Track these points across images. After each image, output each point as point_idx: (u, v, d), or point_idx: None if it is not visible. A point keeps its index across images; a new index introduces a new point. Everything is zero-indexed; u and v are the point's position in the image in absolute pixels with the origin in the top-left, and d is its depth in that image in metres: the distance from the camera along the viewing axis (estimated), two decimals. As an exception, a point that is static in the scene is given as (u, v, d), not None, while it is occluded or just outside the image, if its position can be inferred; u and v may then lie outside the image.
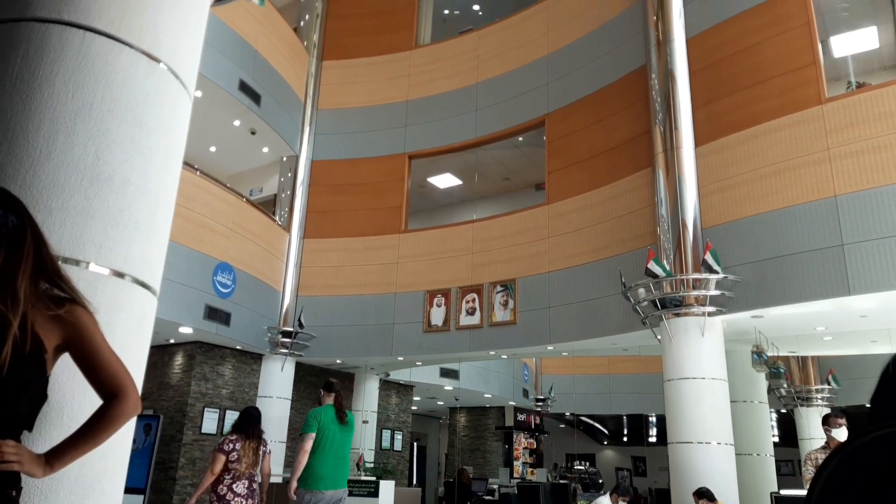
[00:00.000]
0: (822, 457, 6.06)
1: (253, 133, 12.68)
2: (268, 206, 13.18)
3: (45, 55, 2.34)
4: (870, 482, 1.01)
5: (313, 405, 13.42)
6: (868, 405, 1.12)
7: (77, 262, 2.24)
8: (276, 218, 12.82)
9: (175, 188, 2.74)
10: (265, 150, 13.33)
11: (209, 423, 11.12)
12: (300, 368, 12.85)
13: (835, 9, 9.40)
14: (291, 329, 12.02)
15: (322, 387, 6.25)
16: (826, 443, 6.34)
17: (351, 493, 8.92)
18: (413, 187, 13.89)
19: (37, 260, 1.64)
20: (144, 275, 2.45)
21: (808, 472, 6.47)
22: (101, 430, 1.66)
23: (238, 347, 11.66)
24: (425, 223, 13.91)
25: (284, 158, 13.35)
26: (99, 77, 2.41)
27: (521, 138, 12.94)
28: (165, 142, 2.61)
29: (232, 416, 11.46)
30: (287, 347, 11.98)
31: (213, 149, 13.37)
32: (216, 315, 10.54)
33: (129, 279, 2.38)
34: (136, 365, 2.41)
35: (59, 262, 2.22)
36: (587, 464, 18.96)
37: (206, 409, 11.12)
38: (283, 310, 12.34)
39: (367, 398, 14.32)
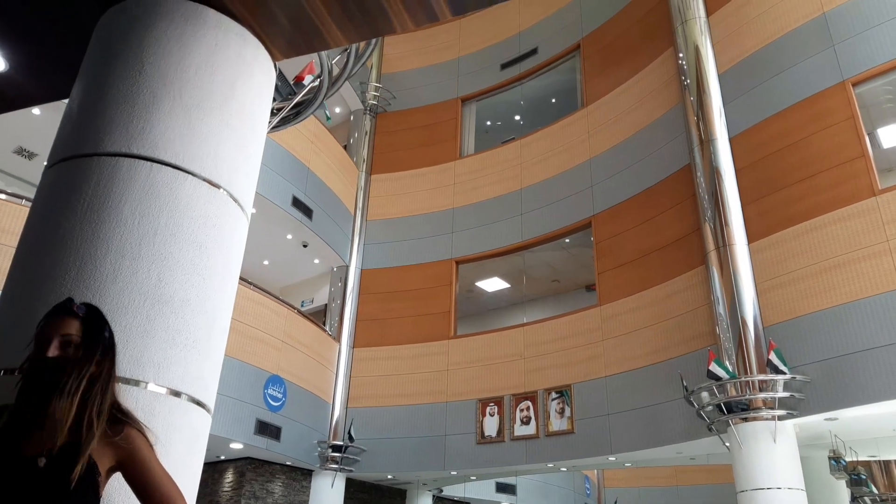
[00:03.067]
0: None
1: (305, 246, 13.05)
2: (318, 316, 13.34)
3: (114, 186, 2.47)
4: None
5: (365, 522, 12.92)
6: None
7: (137, 383, 2.26)
8: (327, 328, 12.91)
9: (231, 306, 2.79)
10: (316, 261, 13.65)
11: (259, 543, 10.77)
12: (350, 485, 12.49)
13: (879, 101, 9.39)
14: (341, 443, 11.80)
15: None
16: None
17: None
18: (461, 292, 13.91)
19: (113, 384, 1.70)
20: (200, 393, 2.45)
21: None
22: None
23: (288, 463, 11.45)
24: (474, 328, 13.81)
25: (335, 268, 13.62)
26: (163, 204, 2.52)
27: (567, 240, 12.96)
28: (223, 262, 2.68)
29: (282, 536, 11.10)
30: (337, 462, 11.71)
31: (266, 262, 13.77)
32: (267, 430, 10.45)
33: (185, 398, 2.38)
34: (190, 483, 2.36)
35: (119, 383, 2.25)
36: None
37: (256, 528, 10.81)
38: (333, 422, 12.18)
39: (421, 515, 13.75)
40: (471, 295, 15.64)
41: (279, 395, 10.84)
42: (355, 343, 13.02)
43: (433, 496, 14.12)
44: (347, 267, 13.55)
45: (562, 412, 10.67)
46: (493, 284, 15.37)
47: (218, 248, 2.64)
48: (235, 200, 2.78)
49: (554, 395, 10.87)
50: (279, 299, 11.63)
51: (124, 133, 2.56)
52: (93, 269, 2.32)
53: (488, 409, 11.47)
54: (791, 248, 8.35)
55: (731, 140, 9.37)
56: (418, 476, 12.59)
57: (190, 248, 2.54)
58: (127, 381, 2.24)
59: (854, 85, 8.51)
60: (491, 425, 11.32)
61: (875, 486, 12.21)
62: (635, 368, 9.97)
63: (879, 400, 7.22)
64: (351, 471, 11.94)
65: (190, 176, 2.61)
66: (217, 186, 2.69)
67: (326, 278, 13.85)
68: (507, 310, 15.87)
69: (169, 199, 2.54)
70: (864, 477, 9.85)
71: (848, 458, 9.02)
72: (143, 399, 2.25)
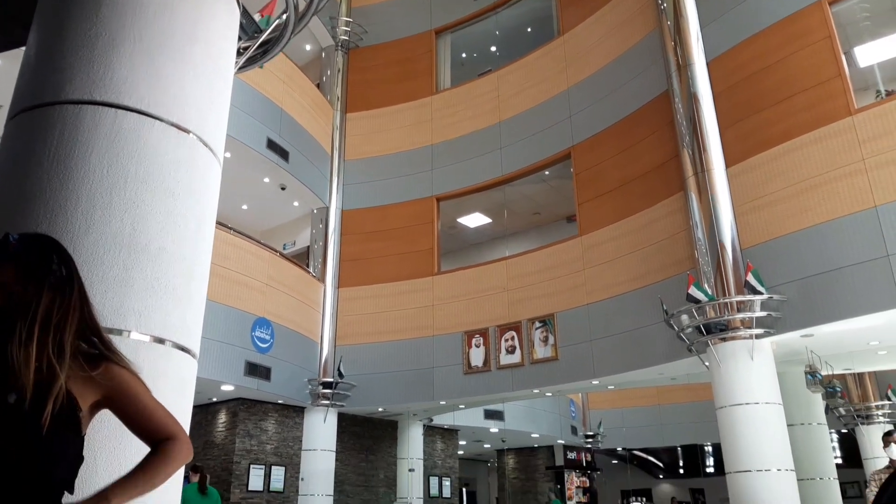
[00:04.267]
0: (885, 477, 5.78)
1: (283, 188, 12.93)
2: (301, 258, 13.34)
3: (79, 135, 2.42)
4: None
5: (359, 456, 13.33)
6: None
7: (119, 332, 2.28)
8: (310, 269, 12.95)
9: (209, 251, 2.79)
10: (295, 203, 13.55)
11: (255, 479, 11.08)
12: (343, 419, 12.80)
13: (856, 19, 9.30)
14: (332, 380, 12.02)
15: (190, 468, 7.62)
16: (890, 461, 6.07)
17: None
18: (443, 229, 13.93)
19: (81, 317, 1.62)
20: (184, 339, 2.48)
21: (872, 492, 6.19)
22: (156, 471, 1.59)
23: (280, 402, 11.68)
24: (458, 264, 13.91)
25: (315, 210, 13.55)
26: (132, 151, 2.48)
27: (547, 172, 12.95)
28: (198, 208, 2.66)
29: (278, 473, 11.42)
30: (328, 398, 11.96)
31: (244, 207, 13.65)
32: (256, 371, 10.60)
33: (169, 344, 2.40)
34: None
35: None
36: (643, 499, 18.38)
37: (251, 465, 11.09)
38: (322, 361, 12.37)
39: (412, 445, 14.16)
40: (453, 231, 15.67)
41: (267, 337, 10.96)
42: (340, 283, 13.08)
43: (423, 425, 14.53)
44: (327, 208, 13.48)
45: (546, 340, 10.90)
46: (474, 220, 15.40)
47: (191, 193, 2.61)
48: (206, 144, 2.74)
49: (538, 324, 11.08)
50: (260, 243, 11.60)
51: (85, 79, 2.49)
52: (64, 222, 2.30)
53: (474, 340, 11.69)
54: (768, 170, 8.41)
55: (708, 64, 9.28)
56: (408, 407, 12.92)
57: (162, 195, 2.51)
58: (110, 331, 2.25)
59: (831, 4, 8.40)
60: (477, 356, 11.56)
61: (849, 397, 12.71)
62: (616, 295, 10.15)
63: (853, 315, 7.43)
64: (342, 406, 12.21)
65: (157, 121, 2.56)
66: (186, 131, 2.65)
67: (307, 220, 13.79)
68: (490, 244, 15.95)
69: (137, 146, 2.50)
70: (838, 389, 10.22)
71: (823, 373, 9.32)
72: (127, 348, 2.27)
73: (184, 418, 2.47)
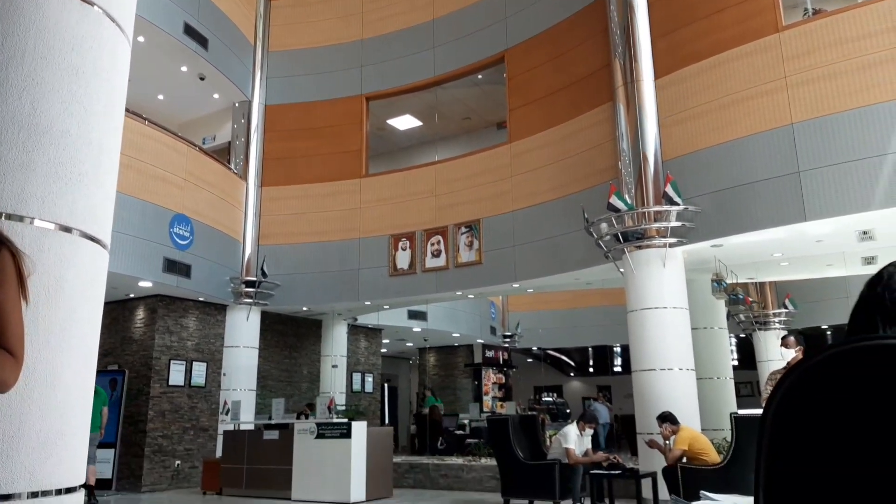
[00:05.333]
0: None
1: (202, 79, 12.22)
2: (222, 154, 12.83)
3: (-37, -3, 2.18)
4: (825, 396, 1.03)
5: (283, 353, 13.46)
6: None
7: (21, 218, 2.15)
8: (232, 166, 12.51)
9: (119, 137, 2.62)
10: (216, 96, 12.88)
11: (176, 375, 11.07)
12: (266, 317, 12.80)
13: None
14: (255, 279, 11.91)
15: None
16: (788, 363, 6.61)
17: (323, 436, 9.05)
18: (372, 130, 13.64)
19: None
20: (93, 228, 2.36)
21: (767, 390, 6.76)
22: None
23: (201, 299, 11.53)
24: (386, 167, 13.74)
25: (237, 104, 12.94)
26: (29, 23, 2.26)
27: (480, 76, 12.73)
28: (105, 89, 2.47)
29: (199, 368, 11.43)
30: (251, 297, 11.89)
31: (160, 97, 12.87)
32: (175, 267, 10.37)
33: (76, 233, 2.29)
34: (91, 319, 2.34)
35: (3, 219, 2.12)
36: (555, 395, 19.53)
37: (172, 361, 11.04)
38: (245, 260, 12.19)
39: (336, 343, 14.39)
40: (382, 133, 15.37)
41: (186, 234, 10.66)
42: (263, 182, 12.74)
43: (348, 324, 14.74)
44: (250, 102, 12.89)
45: (471, 245, 11.08)
46: (404, 122, 15.12)
47: (97, 73, 2.42)
48: (113, 20, 2.52)
49: (464, 229, 11.21)
50: (178, 136, 11.06)
51: (-32, -65, 2.21)
52: (-48, 95, 2.10)
53: (400, 243, 11.75)
54: (695, 84, 8.53)
55: (646, -30, 9.14)
56: (333, 307, 13.03)
57: (65, 73, 2.32)
58: (10, 217, 2.12)
59: (770, -87, 8.33)
60: (403, 259, 11.67)
61: (750, 304, 13.62)
62: (541, 203, 10.33)
63: (761, 228, 7.84)
64: (266, 304, 12.19)
65: (55, -11, 2.32)
66: (90, 3, 2.42)
67: (228, 114, 13.17)
68: (420, 148, 15.79)
69: (35, 18, 2.27)
70: (741, 297, 10.90)
71: (729, 281, 9.90)
72: (31, 235, 2.15)
73: (96, 310, 2.39)
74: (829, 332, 14.39)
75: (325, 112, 12.90)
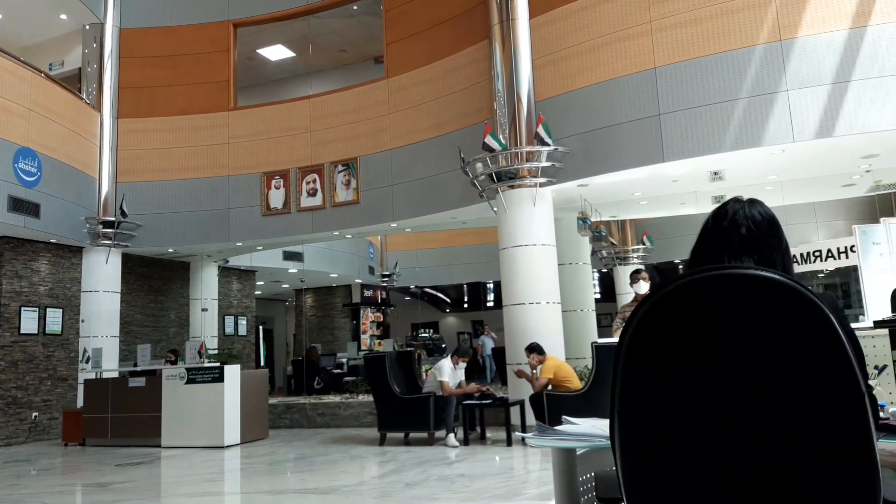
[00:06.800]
0: (630, 310, 6.81)
1: (44, -5, 10.95)
2: (71, 82, 11.68)
3: None
4: (674, 324, 1.12)
5: (147, 297, 12.81)
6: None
7: None
8: (84, 96, 11.44)
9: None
10: (63, 17, 11.61)
11: (28, 322, 10.25)
12: (129, 260, 12.06)
13: None
14: (113, 219, 11.14)
15: None
16: (635, 297, 7.11)
17: (194, 381, 8.80)
18: (241, 60, 12.91)
19: None
20: None
21: (616, 324, 7.29)
22: None
23: (53, 241, 10.65)
24: (258, 100, 13.12)
25: (87, 27, 11.76)
26: None
27: (356, 7, 12.29)
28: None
29: (54, 315, 10.66)
30: (110, 238, 11.13)
31: (-4, 14, 11.44)
32: (22, 206, 9.48)
33: None
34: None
35: None
36: (431, 331, 20.03)
37: (23, 308, 10.21)
38: (102, 198, 11.33)
39: (206, 286, 13.85)
40: (252, 63, 14.60)
41: (33, 170, 9.73)
42: (120, 113, 11.78)
43: (219, 266, 14.20)
44: (102, 25, 11.75)
45: (348, 184, 10.91)
46: (276, 52, 14.41)
47: None
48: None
49: (340, 167, 10.99)
50: (20, 61, 9.93)
51: None
52: None
53: (273, 182, 11.36)
54: (567, 24, 8.69)
55: None
56: (202, 248, 12.48)
57: None
58: None
59: None
60: (277, 198, 11.31)
61: (611, 241, 14.43)
62: (419, 141, 10.29)
63: (624, 168, 8.27)
64: (127, 246, 11.46)
65: None
66: None
67: (78, 38, 11.94)
68: (293, 81, 15.17)
69: None
70: (603, 234, 11.50)
71: (593, 219, 10.42)
72: None
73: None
74: (681, 267, 15.61)
75: (189, 38, 12.03)
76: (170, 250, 12.31)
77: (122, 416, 9.26)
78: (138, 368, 9.67)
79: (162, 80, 11.90)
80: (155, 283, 13.04)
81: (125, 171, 11.63)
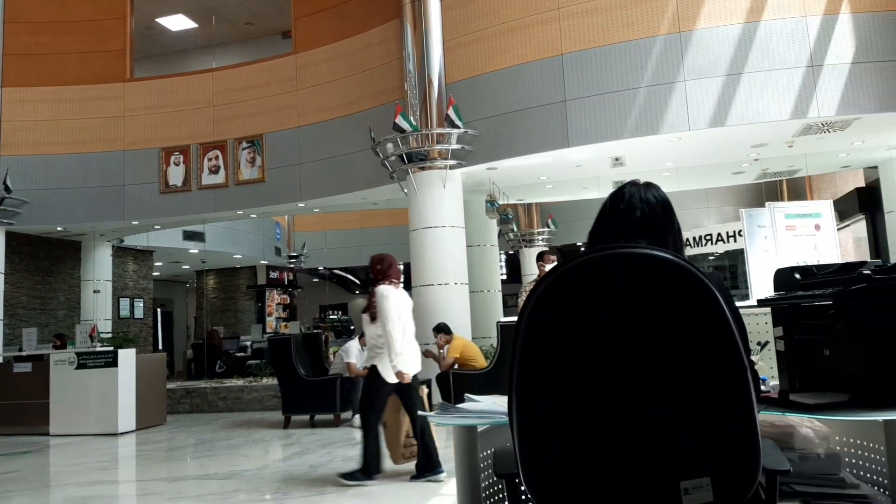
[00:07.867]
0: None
1: None
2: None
3: None
4: (570, 301, 1.15)
5: (34, 278, 11.99)
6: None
7: None
8: (-41, 58, 10.51)
9: None
10: (-69, -31, 10.60)
11: None
12: (13, 238, 11.26)
13: None
14: (-5, 194, 10.34)
15: None
16: (538, 277, 7.31)
17: (85, 365, 8.35)
18: (138, 29, 12.23)
19: None
20: None
21: (522, 298, 7.49)
22: None
23: (-76, 216, 9.78)
24: (156, 71, 12.49)
25: (-39, -17, 10.78)
26: None
27: (262, -22, 11.88)
28: None
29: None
30: (-9, 215, 10.34)
31: None
32: None
33: None
34: None
35: None
36: (339, 313, 19.83)
37: None
38: (-19, 171, 10.49)
39: (99, 267, 13.10)
40: (151, 33, 13.87)
41: None
42: (4, 82, 10.94)
43: (113, 246, 13.47)
44: (-20, -19, 10.81)
45: (253, 161, 10.58)
46: (177, 22, 13.74)
47: None
48: None
49: (245, 144, 10.64)
50: None
51: None
52: None
53: (173, 158, 10.86)
54: (479, 7, 8.73)
55: None
56: (94, 227, 11.79)
57: None
58: None
59: None
60: (176, 174, 10.82)
61: (518, 224, 14.73)
62: (328, 119, 10.10)
63: (531, 152, 8.43)
64: (11, 224, 10.68)
65: None
66: None
67: (-49, -6, 10.95)
68: (195, 53, 14.53)
69: None
70: (510, 217, 11.71)
71: (501, 202, 10.59)
72: None
73: None
74: (582, 248, 16.17)
75: (81, 4, 11.27)
76: (58, 228, 11.57)
77: (7, 404, 8.67)
78: (23, 353, 9.07)
79: (51, 47, 11.10)
80: (42, 263, 12.24)
81: (9, 144, 10.81)
